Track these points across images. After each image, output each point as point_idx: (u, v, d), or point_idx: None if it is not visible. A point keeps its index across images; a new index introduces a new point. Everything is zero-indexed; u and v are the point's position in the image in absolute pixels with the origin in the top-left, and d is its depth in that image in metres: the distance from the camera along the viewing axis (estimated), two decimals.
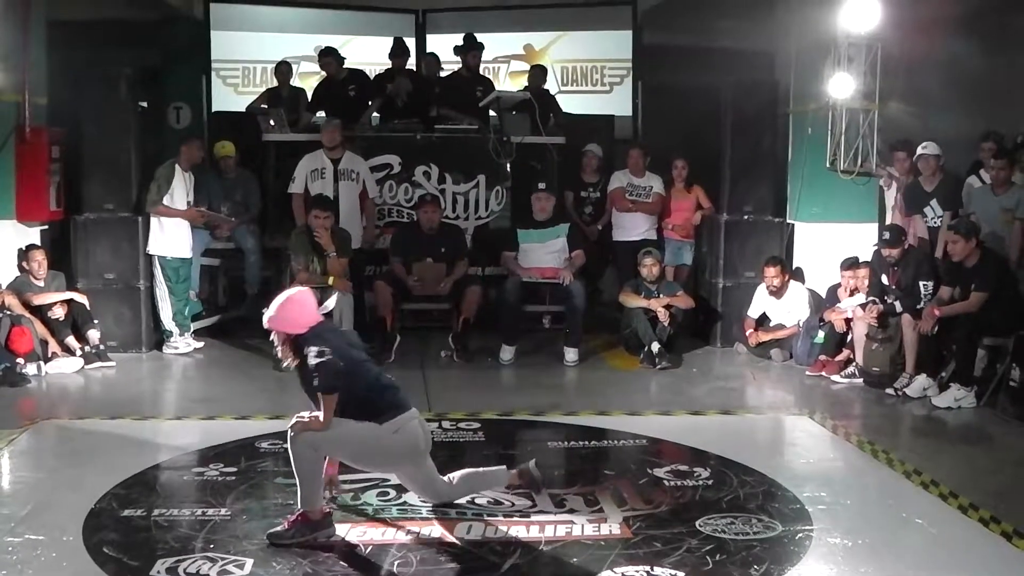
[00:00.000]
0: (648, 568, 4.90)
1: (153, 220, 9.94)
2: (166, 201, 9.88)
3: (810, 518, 5.62)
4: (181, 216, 10.00)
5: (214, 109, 13.41)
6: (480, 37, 12.11)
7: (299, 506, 5.29)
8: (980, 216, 8.84)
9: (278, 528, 5.29)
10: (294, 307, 5.38)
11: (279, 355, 5.48)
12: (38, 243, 9.83)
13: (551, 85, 13.02)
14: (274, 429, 7.29)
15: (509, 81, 13.96)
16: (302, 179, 10.27)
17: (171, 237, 10.00)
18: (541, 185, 10.26)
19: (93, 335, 9.46)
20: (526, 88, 12.03)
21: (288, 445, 5.29)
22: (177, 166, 9.99)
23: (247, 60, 13.92)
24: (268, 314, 5.37)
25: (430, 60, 12.56)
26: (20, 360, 8.88)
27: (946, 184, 9.38)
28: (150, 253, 9.98)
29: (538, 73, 12.24)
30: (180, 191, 9.99)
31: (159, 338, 10.13)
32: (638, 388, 9.03)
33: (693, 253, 11.20)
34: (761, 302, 10.11)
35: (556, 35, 14.35)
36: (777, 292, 9.97)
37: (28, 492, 6.01)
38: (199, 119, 12.86)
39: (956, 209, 9.09)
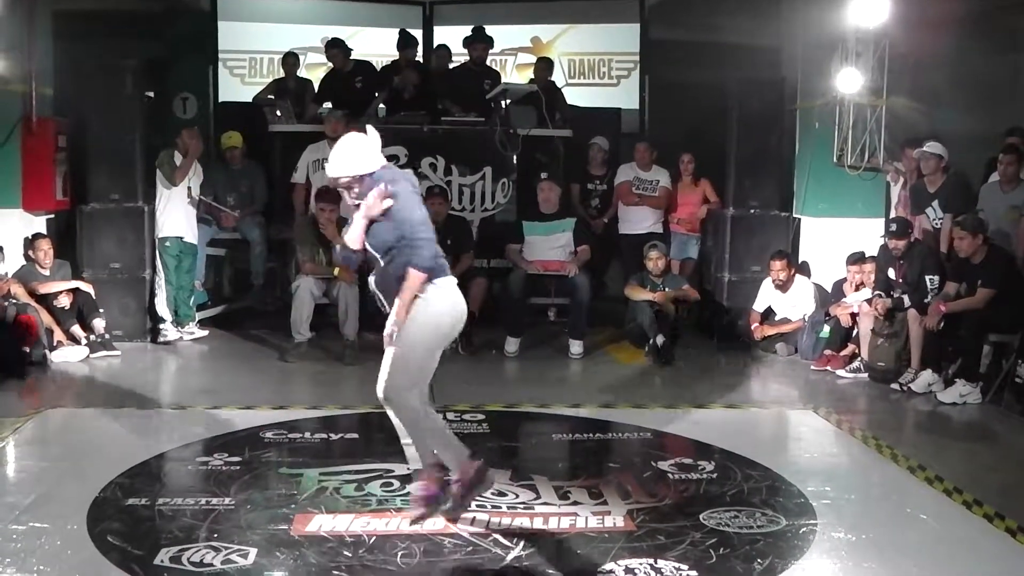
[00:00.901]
0: (652, 561, 4.89)
1: (159, 203, 9.95)
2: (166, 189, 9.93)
3: (814, 513, 5.61)
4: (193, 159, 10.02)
5: (220, 99, 13.41)
6: (487, 29, 12.11)
7: (452, 471, 5.23)
8: (988, 213, 8.80)
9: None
10: (356, 147, 5.17)
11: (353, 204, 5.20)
12: (44, 232, 9.86)
13: (558, 78, 13.01)
14: (279, 419, 7.33)
15: (516, 74, 13.96)
16: (304, 169, 10.31)
17: (171, 217, 9.97)
18: (544, 175, 10.26)
19: (98, 324, 9.47)
20: (532, 81, 12.03)
21: (387, 408, 5.21)
22: (176, 152, 9.98)
23: (254, 51, 13.90)
24: (335, 165, 5.15)
25: (441, 52, 12.54)
26: (26, 349, 8.89)
27: (948, 186, 9.31)
28: (157, 237, 10.01)
29: (544, 66, 12.22)
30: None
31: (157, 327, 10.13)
32: (642, 381, 9.03)
33: (699, 247, 11.20)
34: (767, 296, 10.10)
35: (563, 28, 14.32)
36: (783, 286, 9.96)
37: (32, 480, 6.01)
38: (205, 109, 12.85)
39: (956, 212, 9.04)
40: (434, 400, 7.20)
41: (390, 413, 5.27)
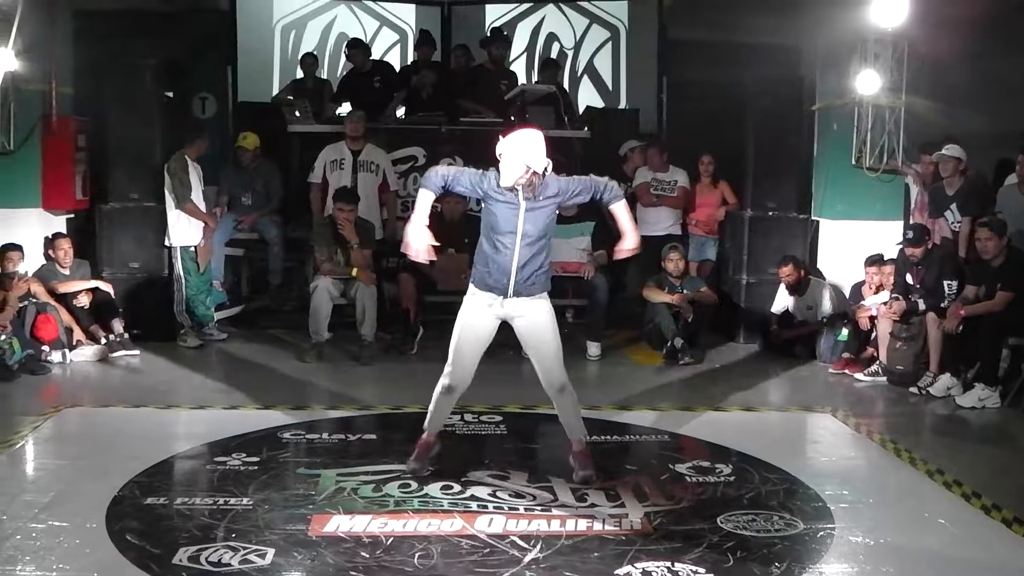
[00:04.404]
0: (668, 564, 4.89)
1: (171, 213, 9.89)
2: (192, 197, 9.86)
3: (832, 516, 5.60)
4: (205, 219, 9.97)
5: (239, 99, 13.42)
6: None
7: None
8: (1007, 215, 8.75)
9: None
10: (537, 141, 6.00)
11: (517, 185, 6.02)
12: (64, 232, 9.90)
13: None
14: (296, 419, 7.34)
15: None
16: (321, 169, 10.31)
17: (186, 227, 9.92)
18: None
19: (117, 324, 9.50)
20: (538, 83, 12.06)
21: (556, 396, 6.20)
22: (187, 157, 9.90)
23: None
24: (513, 146, 5.92)
25: (460, 52, 12.55)
26: (45, 347, 8.95)
27: (966, 189, 9.27)
28: (170, 245, 9.95)
29: (551, 68, 12.23)
30: (195, 181, 9.91)
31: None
32: (660, 383, 9.01)
33: (717, 249, 11.16)
34: (783, 299, 10.07)
35: None
36: (797, 289, 9.93)
37: (51, 479, 6.04)
38: (224, 109, 12.88)
39: (974, 215, 9.00)
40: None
41: (558, 401, 6.24)
